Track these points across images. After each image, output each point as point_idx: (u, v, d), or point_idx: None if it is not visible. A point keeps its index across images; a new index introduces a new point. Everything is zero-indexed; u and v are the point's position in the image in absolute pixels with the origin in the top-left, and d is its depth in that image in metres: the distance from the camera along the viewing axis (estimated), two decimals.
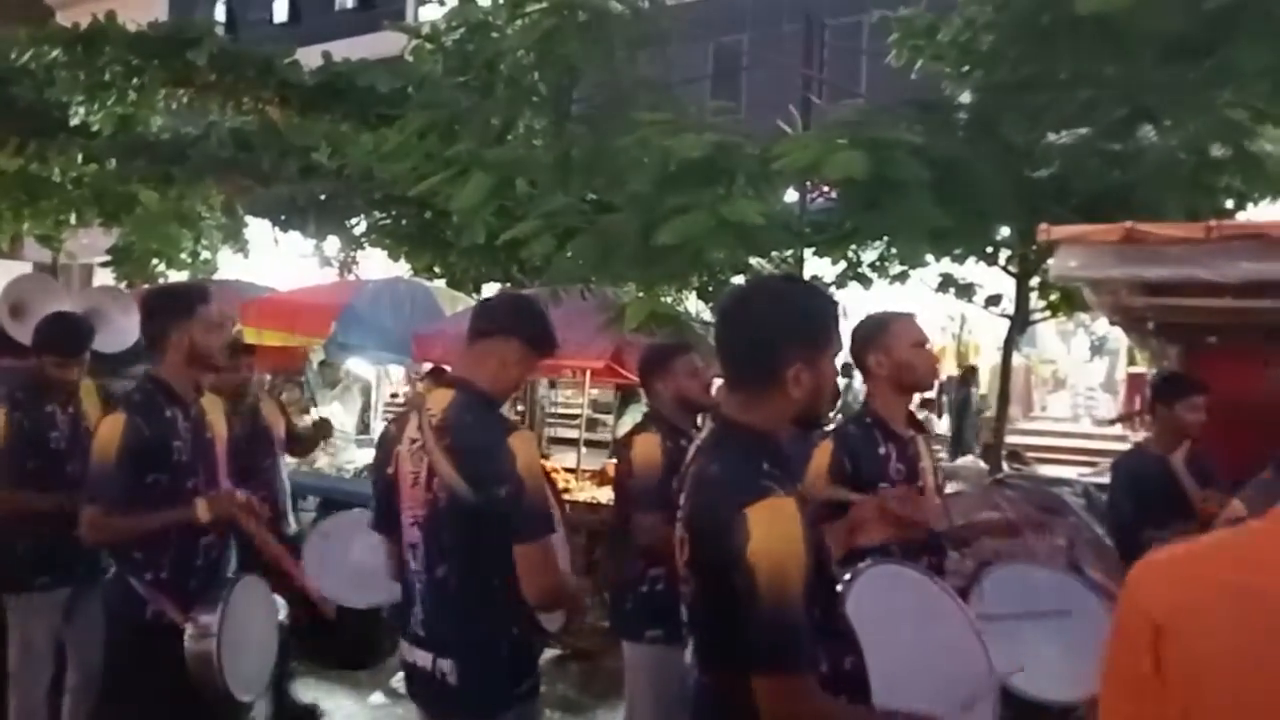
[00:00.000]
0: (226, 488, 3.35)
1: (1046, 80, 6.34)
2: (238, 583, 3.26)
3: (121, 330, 5.54)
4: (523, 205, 7.71)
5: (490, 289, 9.89)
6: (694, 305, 7.23)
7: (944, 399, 16.12)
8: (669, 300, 6.77)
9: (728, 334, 2.06)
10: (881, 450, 3.02)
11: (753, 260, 6.93)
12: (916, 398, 3.35)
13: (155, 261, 15.35)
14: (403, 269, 11.94)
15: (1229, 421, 4.71)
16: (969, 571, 3.25)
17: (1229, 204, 6.82)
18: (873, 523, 2.71)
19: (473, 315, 2.79)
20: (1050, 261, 5.05)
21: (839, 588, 2.24)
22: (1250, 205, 7.00)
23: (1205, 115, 5.49)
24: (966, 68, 7.95)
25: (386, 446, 2.72)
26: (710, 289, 7.69)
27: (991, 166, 6.52)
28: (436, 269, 11.42)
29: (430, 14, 10.96)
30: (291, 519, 5.22)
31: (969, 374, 15.21)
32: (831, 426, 3.22)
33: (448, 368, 6.07)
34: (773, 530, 1.79)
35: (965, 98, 8.10)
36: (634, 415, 8.84)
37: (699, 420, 3.81)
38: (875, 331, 3.09)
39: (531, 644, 2.69)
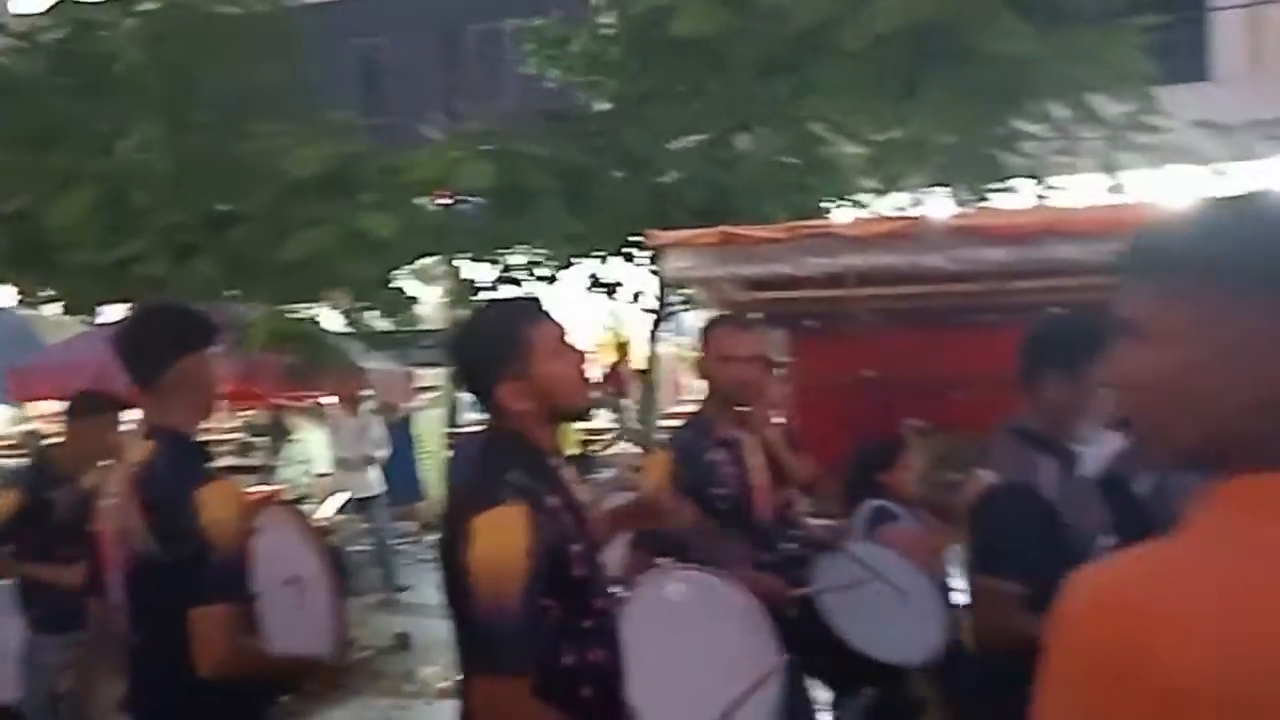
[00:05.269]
0: None
1: (662, 93, 6.81)
2: None
3: None
4: (141, 219, 7.13)
5: (114, 313, 9.05)
6: (336, 320, 7.02)
7: (608, 394, 16.79)
8: (304, 316, 6.53)
9: (452, 365, 2.24)
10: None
11: (394, 272, 6.88)
12: None
13: None
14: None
15: (827, 398, 5.31)
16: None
17: (822, 205, 7.69)
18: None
19: (122, 364, 2.48)
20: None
21: (617, 590, 2.35)
22: (845, 205, 7.92)
23: (791, 127, 6.12)
24: (596, 78, 8.34)
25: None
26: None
27: (619, 173, 6.90)
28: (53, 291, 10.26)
29: (23, 5, 9.78)
30: None
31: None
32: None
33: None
34: (493, 538, 1.87)
35: (598, 107, 8.52)
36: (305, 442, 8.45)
37: None
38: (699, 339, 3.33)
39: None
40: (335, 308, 6.62)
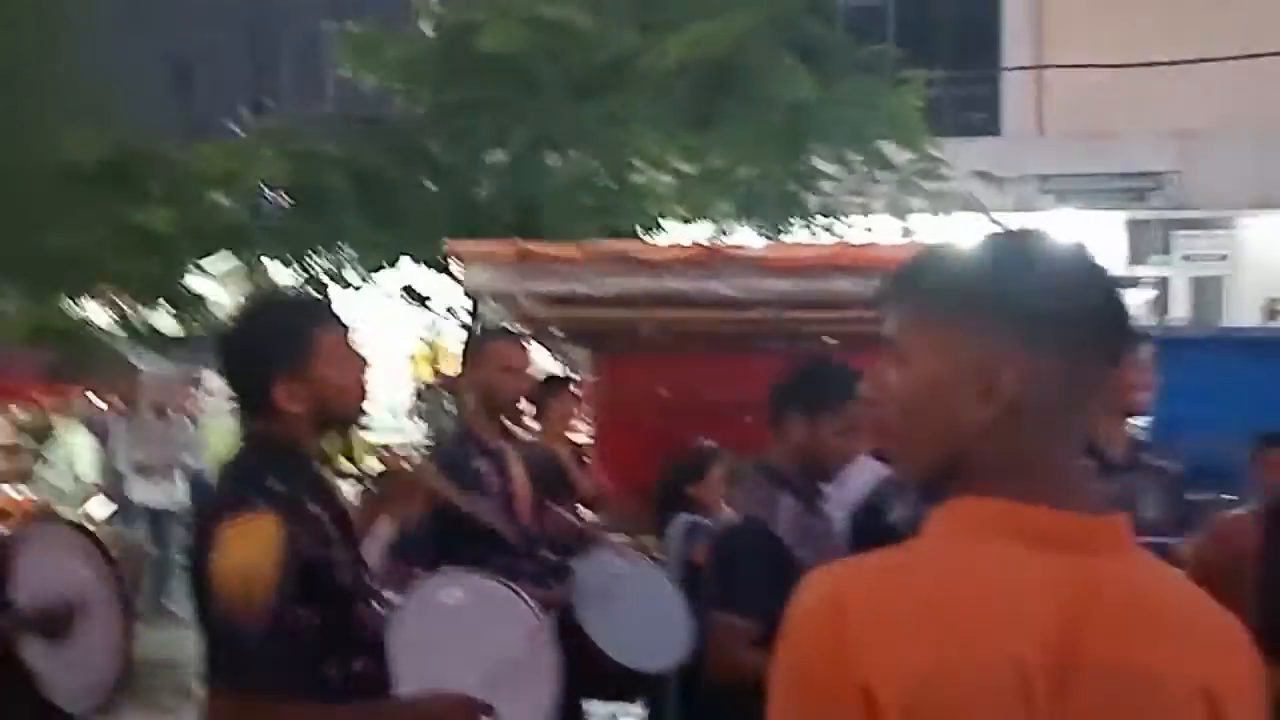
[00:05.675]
0: None
1: (473, 106, 6.76)
2: None
3: None
4: None
5: None
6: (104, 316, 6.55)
7: (421, 405, 16.50)
8: (71, 312, 6.08)
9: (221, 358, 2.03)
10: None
11: (183, 270, 6.52)
12: None
13: None
14: None
15: (625, 416, 5.38)
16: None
17: (634, 230, 7.79)
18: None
19: None
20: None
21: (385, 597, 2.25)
22: (654, 232, 8.04)
23: (603, 152, 6.19)
24: (410, 86, 8.19)
25: None
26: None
27: (426, 182, 6.79)
28: None
29: None
30: None
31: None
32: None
33: None
34: (241, 547, 1.78)
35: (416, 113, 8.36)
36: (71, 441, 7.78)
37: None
38: (471, 351, 3.19)
39: None
40: (102, 305, 6.20)
